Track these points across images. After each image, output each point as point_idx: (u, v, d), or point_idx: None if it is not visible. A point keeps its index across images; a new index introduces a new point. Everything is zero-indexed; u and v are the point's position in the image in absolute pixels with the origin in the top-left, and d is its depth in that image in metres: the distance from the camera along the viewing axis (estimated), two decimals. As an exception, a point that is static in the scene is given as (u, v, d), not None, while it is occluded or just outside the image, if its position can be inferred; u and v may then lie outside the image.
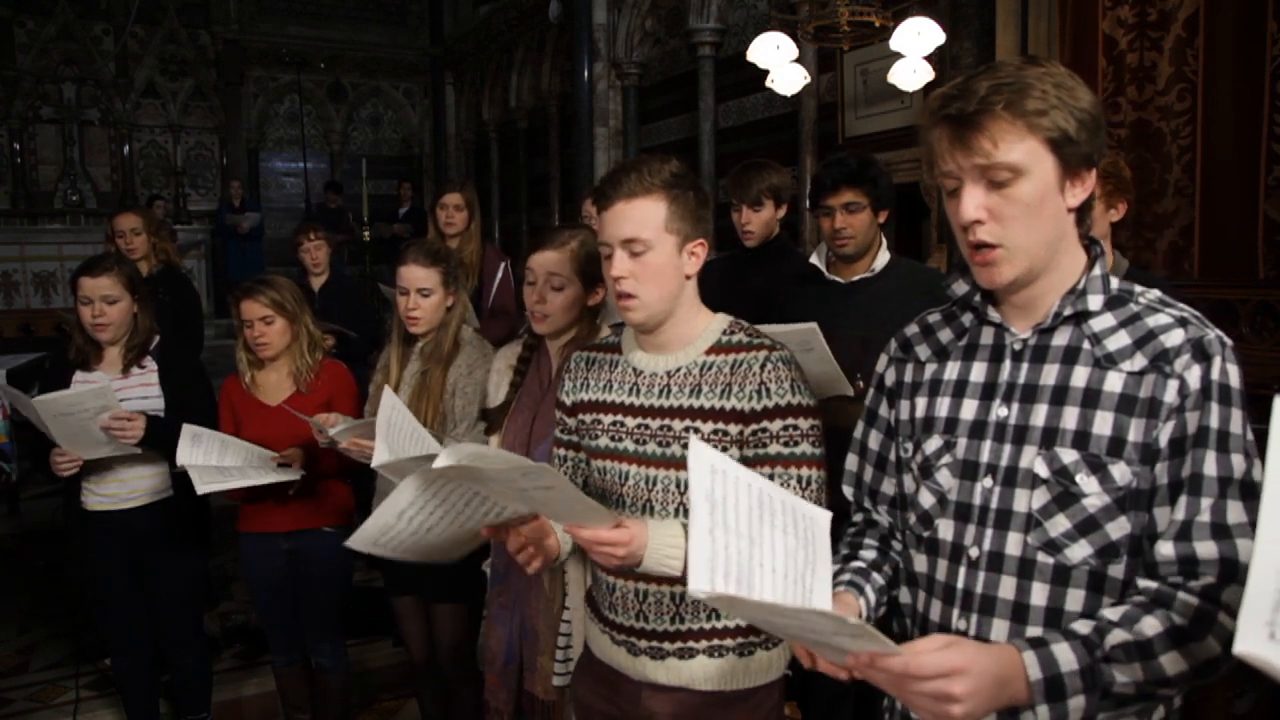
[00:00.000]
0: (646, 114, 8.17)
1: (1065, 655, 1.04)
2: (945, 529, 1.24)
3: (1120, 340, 1.16)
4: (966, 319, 1.30)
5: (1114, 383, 1.14)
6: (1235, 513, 1.07)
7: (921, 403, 1.30)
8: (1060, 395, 1.17)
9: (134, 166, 11.46)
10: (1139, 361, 1.14)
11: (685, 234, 1.58)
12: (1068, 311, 1.18)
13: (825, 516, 1.14)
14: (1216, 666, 1.04)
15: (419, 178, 12.82)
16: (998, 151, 1.12)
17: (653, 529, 1.47)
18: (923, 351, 1.34)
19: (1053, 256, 1.18)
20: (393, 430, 1.98)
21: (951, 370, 1.28)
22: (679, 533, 1.49)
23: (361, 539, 1.48)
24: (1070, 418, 1.15)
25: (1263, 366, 3.14)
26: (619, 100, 8.23)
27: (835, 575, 1.31)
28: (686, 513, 1.57)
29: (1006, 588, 1.17)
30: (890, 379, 1.38)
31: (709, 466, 1.06)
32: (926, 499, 1.27)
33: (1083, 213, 1.19)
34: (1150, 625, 1.04)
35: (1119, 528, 1.13)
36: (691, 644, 1.64)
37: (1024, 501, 1.17)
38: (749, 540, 1.03)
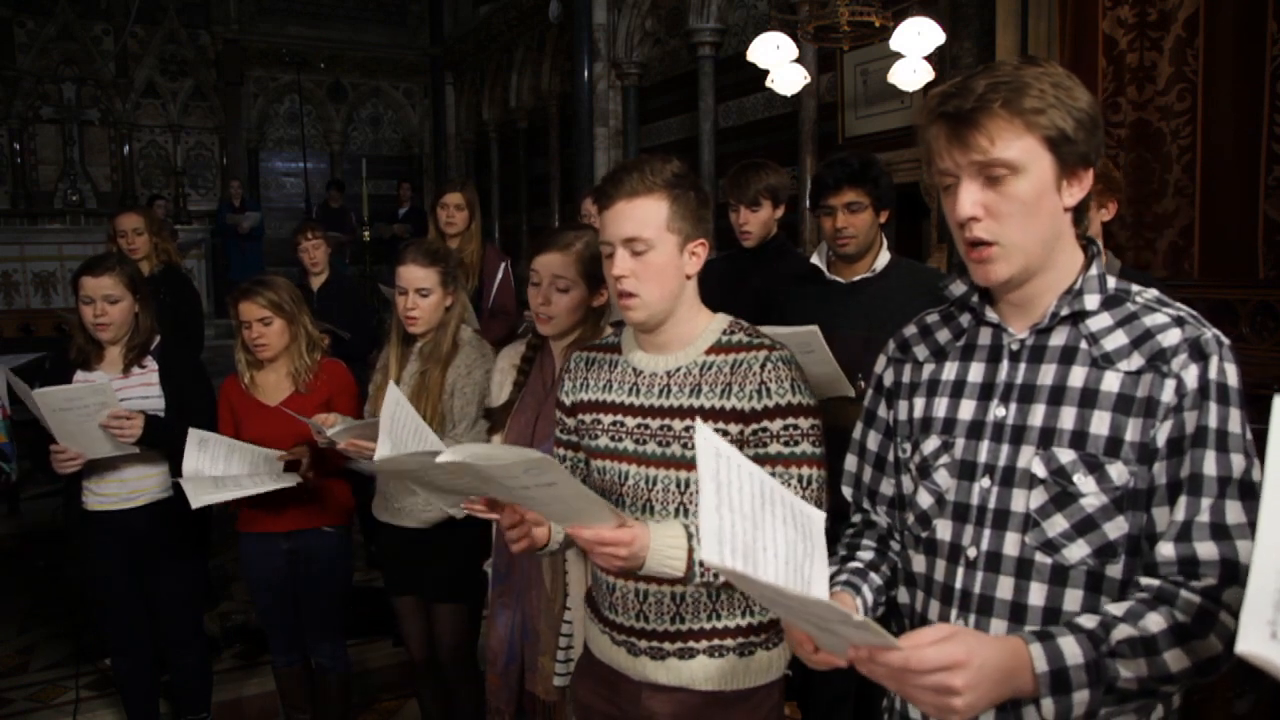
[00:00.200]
0: (646, 114, 8.17)
1: (1071, 648, 1.04)
2: (943, 529, 1.24)
3: (1117, 340, 1.16)
4: (964, 319, 1.30)
5: (1111, 382, 1.14)
6: (1235, 513, 1.07)
7: (919, 403, 1.30)
8: (1058, 395, 1.17)
9: (134, 166, 11.47)
10: (1136, 361, 1.14)
11: (686, 234, 1.59)
12: (1065, 311, 1.18)
13: (820, 516, 1.14)
14: (1218, 665, 1.04)
15: (419, 178, 12.82)
16: (995, 148, 1.12)
17: (654, 530, 1.47)
18: (921, 352, 1.34)
19: (1049, 255, 1.18)
20: (396, 426, 1.99)
21: (949, 370, 1.28)
22: (680, 533, 1.49)
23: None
24: (1068, 418, 1.15)
25: (1263, 366, 3.14)
26: (619, 100, 8.24)
27: (833, 576, 1.31)
28: (687, 513, 1.57)
29: (1004, 588, 1.17)
30: (888, 379, 1.38)
31: (714, 450, 1.07)
32: (924, 499, 1.27)
33: (1080, 212, 1.19)
34: (1154, 621, 1.04)
35: (1117, 528, 1.13)
36: (691, 644, 1.64)
37: (1022, 501, 1.17)
38: (753, 524, 1.04)
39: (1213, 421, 1.09)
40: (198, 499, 2.43)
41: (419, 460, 1.74)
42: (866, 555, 1.35)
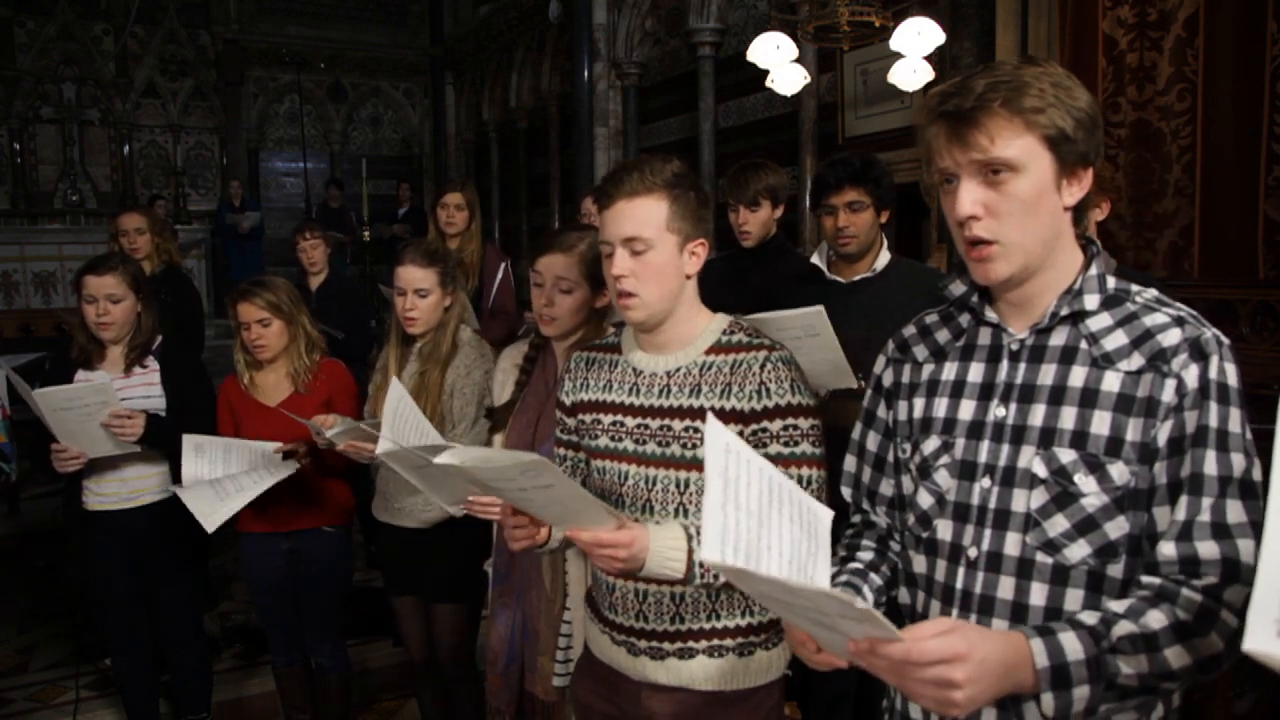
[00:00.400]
0: (646, 114, 8.17)
1: (1072, 644, 1.04)
2: (944, 529, 1.24)
3: (1117, 340, 1.16)
4: (964, 319, 1.30)
5: (1111, 382, 1.14)
6: (1235, 512, 1.07)
7: (919, 403, 1.30)
8: (1058, 395, 1.17)
9: (134, 166, 11.47)
10: (1136, 361, 1.14)
11: (686, 234, 1.59)
12: (1064, 311, 1.18)
13: (828, 514, 1.14)
14: (1219, 663, 1.04)
15: (419, 178, 12.82)
16: (994, 147, 1.12)
17: (654, 532, 1.47)
18: (920, 352, 1.34)
19: (1049, 254, 1.18)
20: (398, 421, 1.99)
21: (949, 371, 1.28)
22: (680, 535, 1.49)
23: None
24: (1068, 418, 1.15)
25: (1263, 366, 3.14)
26: (619, 100, 8.23)
27: (833, 576, 1.31)
28: (686, 513, 1.57)
29: (1005, 588, 1.17)
30: (888, 380, 1.38)
31: (724, 445, 1.07)
32: (925, 499, 1.27)
33: (1079, 212, 1.19)
34: (1156, 619, 1.04)
35: (1117, 527, 1.13)
36: (691, 644, 1.64)
37: (1022, 501, 1.17)
38: (758, 521, 1.04)
39: (1213, 421, 1.09)
40: (210, 520, 2.40)
41: (420, 456, 1.74)
42: (866, 556, 1.35)
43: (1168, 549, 1.08)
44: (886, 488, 1.38)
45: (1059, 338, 1.19)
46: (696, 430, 1.57)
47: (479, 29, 11.44)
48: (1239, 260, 3.42)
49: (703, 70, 7.24)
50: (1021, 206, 1.13)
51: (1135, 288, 1.21)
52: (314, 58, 11.87)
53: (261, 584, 2.78)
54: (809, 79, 5.24)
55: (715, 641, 1.64)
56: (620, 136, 8.23)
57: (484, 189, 10.59)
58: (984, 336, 1.27)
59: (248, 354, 2.71)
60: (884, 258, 2.65)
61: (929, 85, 4.47)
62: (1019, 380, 1.20)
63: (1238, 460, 1.08)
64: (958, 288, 1.29)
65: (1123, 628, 1.04)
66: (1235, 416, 1.09)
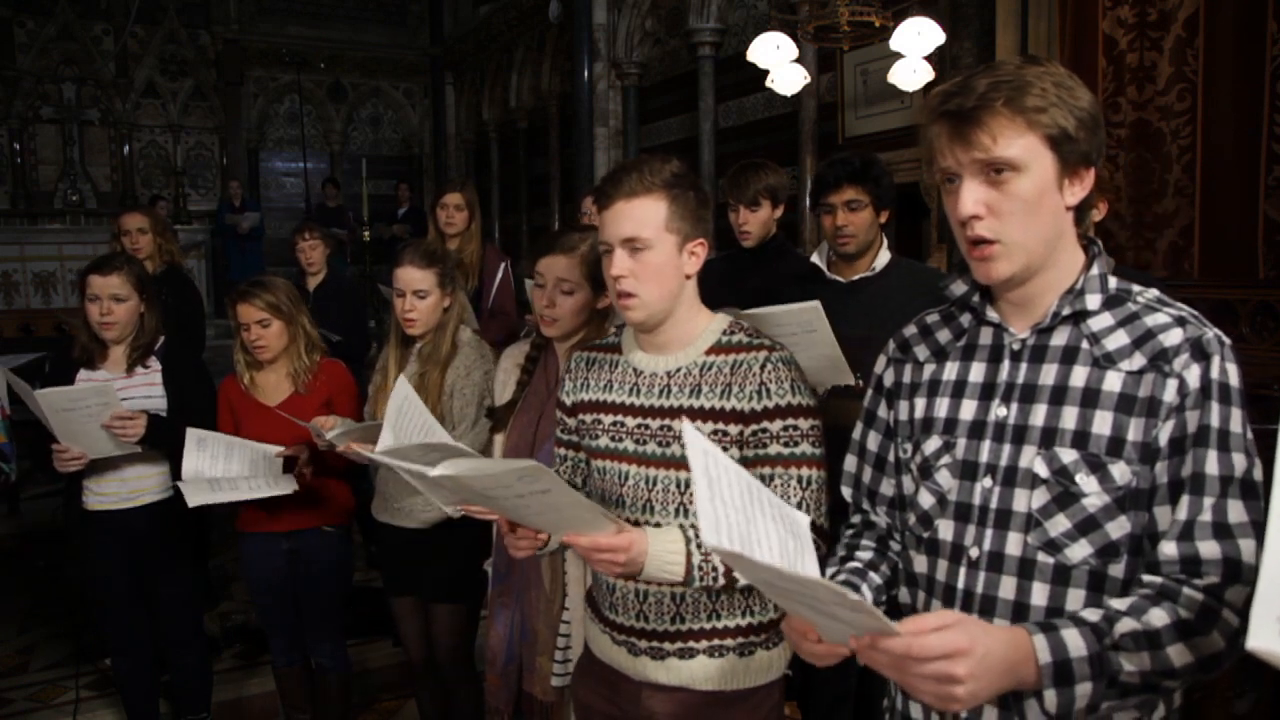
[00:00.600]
0: (646, 114, 8.17)
1: (1075, 641, 1.04)
2: (945, 529, 1.24)
3: (1119, 340, 1.16)
4: (965, 319, 1.30)
5: (1113, 382, 1.14)
6: (1236, 512, 1.07)
7: (920, 403, 1.30)
8: (1059, 395, 1.17)
9: (134, 166, 11.47)
10: (1138, 361, 1.14)
11: (685, 234, 1.59)
12: (1066, 311, 1.18)
13: (805, 519, 1.16)
14: (1220, 661, 1.04)
15: (419, 178, 12.83)
16: (996, 146, 1.12)
17: (653, 536, 1.47)
18: (921, 352, 1.34)
19: (1050, 254, 1.18)
20: (402, 419, 1.99)
21: (950, 370, 1.28)
22: (679, 537, 1.49)
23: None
24: (1069, 417, 1.15)
25: (1263, 366, 3.14)
26: (619, 100, 8.24)
27: (831, 576, 1.32)
28: (687, 513, 1.57)
29: (1007, 588, 1.17)
30: (889, 380, 1.38)
31: (703, 450, 1.09)
32: (926, 499, 1.27)
33: (1081, 212, 1.19)
34: (1158, 616, 1.04)
35: (1119, 527, 1.13)
36: (692, 644, 1.64)
37: (1024, 501, 1.17)
38: (745, 518, 1.05)
39: (1215, 421, 1.09)
40: (194, 499, 2.43)
41: (421, 456, 1.74)
42: (865, 555, 1.35)
43: (1169, 548, 1.08)
44: (887, 487, 1.38)
45: (1060, 337, 1.19)
46: (695, 429, 1.56)
47: (479, 29, 11.45)
48: (1239, 260, 3.42)
49: (703, 70, 7.24)
50: (1023, 206, 1.13)
51: (1137, 288, 1.21)
52: (314, 58, 11.87)
53: (261, 584, 2.78)
54: (809, 79, 5.24)
55: (716, 641, 1.64)
56: (620, 136, 8.23)
57: (484, 189, 10.60)
58: (985, 336, 1.27)
59: (248, 354, 2.71)
60: (884, 257, 2.65)
61: (929, 85, 4.47)
62: (1020, 380, 1.20)
63: (1239, 460, 1.08)
64: (959, 287, 1.29)
65: (1125, 625, 1.04)
66: (1237, 416, 1.10)
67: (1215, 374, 1.10)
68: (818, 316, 2.30)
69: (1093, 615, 1.07)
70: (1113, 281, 1.21)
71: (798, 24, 4.74)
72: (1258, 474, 1.09)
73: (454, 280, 2.62)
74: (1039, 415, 1.17)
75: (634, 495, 1.62)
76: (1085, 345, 1.17)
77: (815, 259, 2.75)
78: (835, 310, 2.39)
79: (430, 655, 2.72)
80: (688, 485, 1.57)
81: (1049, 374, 1.18)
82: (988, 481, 1.20)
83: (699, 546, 1.50)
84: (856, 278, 2.64)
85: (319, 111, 12.52)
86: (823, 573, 1.31)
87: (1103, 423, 1.13)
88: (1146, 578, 1.10)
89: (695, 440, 1.09)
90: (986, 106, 1.12)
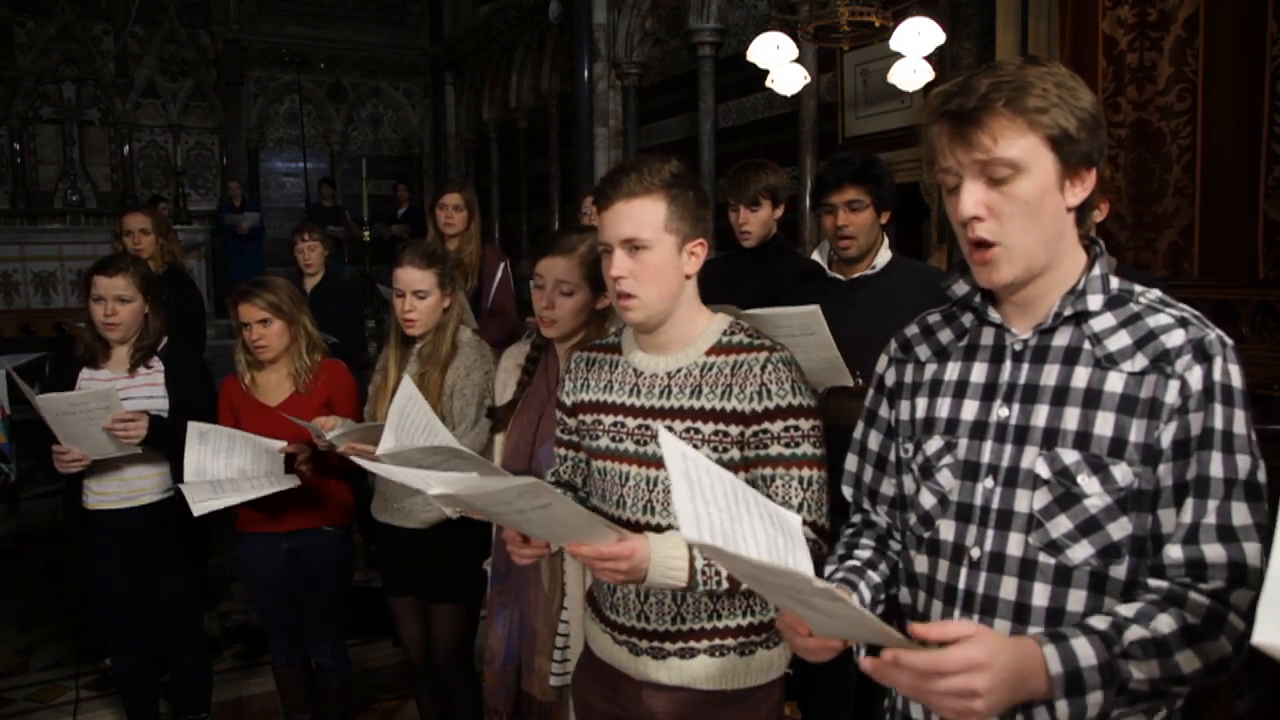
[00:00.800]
0: (646, 114, 8.17)
1: (1085, 650, 1.04)
2: (946, 529, 1.24)
3: (1121, 340, 1.16)
4: (966, 319, 1.30)
5: (1115, 383, 1.14)
6: (1241, 514, 1.07)
7: (922, 403, 1.30)
8: (1061, 396, 1.17)
9: (134, 166, 11.46)
10: (1140, 362, 1.14)
11: (685, 234, 1.58)
12: (1068, 312, 1.18)
13: (796, 518, 1.16)
14: (1227, 666, 1.04)
15: (419, 178, 12.83)
16: (997, 147, 1.12)
17: (655, 542, 1.46)
18: (923, 352, 1.34)
19: (1052, 256, 1.18)
20: (404, 420, 1.98)
21: (952, 371, 1.28)
22: (680, 543, 1.49)
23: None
24: (1071, 418, 1.15)
25: (1263, 366, 3.14)
26: (619, 100, 8.23)
27: (830, 575, 1.32)
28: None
29: (1008, 588, 1.17)
30: (890, 379, 1.38)
31: (681, 453, 1.10)
32: (927, 500, 1.27)
33: (1083, 212, 1.19)
34: (1165, 623, 1.04)
35: (1120, 528, 1.13)
36: (693, 644, 1.64)
37: (1025, 502, 1.17)
38: (730, 516, 1.06)
39: (1218, 423, 1.09)
40: (199, 506, 2.42)
41: (423, 457, 1.74)
42: (864, 554, 1.35)
43: (1174, 552, 1.08)
44: (888, 487, 1.38)
45: (1062, 338, 1.19)
46: (698, 431, 1.57)
47: (479, 29, 11.44)
48: (1239, 260, 3.42)
49: (703, 70, 7.23)
50: (1024, 208, 1.13)
51: (1139, 288, 1.21)
52: (314, 58, 11.87)
53: (261, 584, 2.78)
54: (809, 79, 5.24)
55: (717, 641, 1.64)
56: (620, 136, 8.23)
57: (484, 189, 10.60)
58: (987, 336, 1.26)
59: (249, 354, 2.71)
60: (885, 255, 2.65)
61: (929, 85, 4.47)
62: (1022, 381, 1.20)
63: (1243, 462, 1.08)
64: (960, 287, 1.29)
65: (1134, 632, 1.04)
66: (1240, 418, 1.09)
67: (1218, 376, 1.10)
68: (817, 320, 2.31)
69: (1101, 623, 1.07)
70: (1114, 282, 1.21)
71: (798, 24, 4.74)
72: (1261, 475, 1.09)
73: (454, 280, 2.62)
74: (1041, 416, 1.17)
75: (635, 496, 1.62)
76: (1087, 346, 1.17)
77: (816, 256, 2.75)
78: (836, 308, 2.40)
79: (430, 655, 2.72)
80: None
81: (1050, 374, 1.18)
82: (989, 482, 1.20)
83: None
84: (857, 276, 2.64)
85: (319, 111, 12.51)
86: (821, 571, 1.31)
87: (1104, 424, 1.13)
88: (1153, 582, 1.10)
89: (672, 444, 1.10)
90: (987, 107, 1.11)
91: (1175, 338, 1.13)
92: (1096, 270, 1.20)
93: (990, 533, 1.19)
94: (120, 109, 11.28)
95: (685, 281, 1.61)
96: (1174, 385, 1.11)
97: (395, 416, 1.99)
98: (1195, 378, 1.10)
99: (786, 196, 3.14)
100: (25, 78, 10.64)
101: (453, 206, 3.70)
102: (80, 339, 2.79)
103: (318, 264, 4.40)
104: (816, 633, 1.10)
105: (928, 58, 4.38)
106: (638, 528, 1.59)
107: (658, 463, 1.60)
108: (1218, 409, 1.09)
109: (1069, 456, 1.14)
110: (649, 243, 1.55)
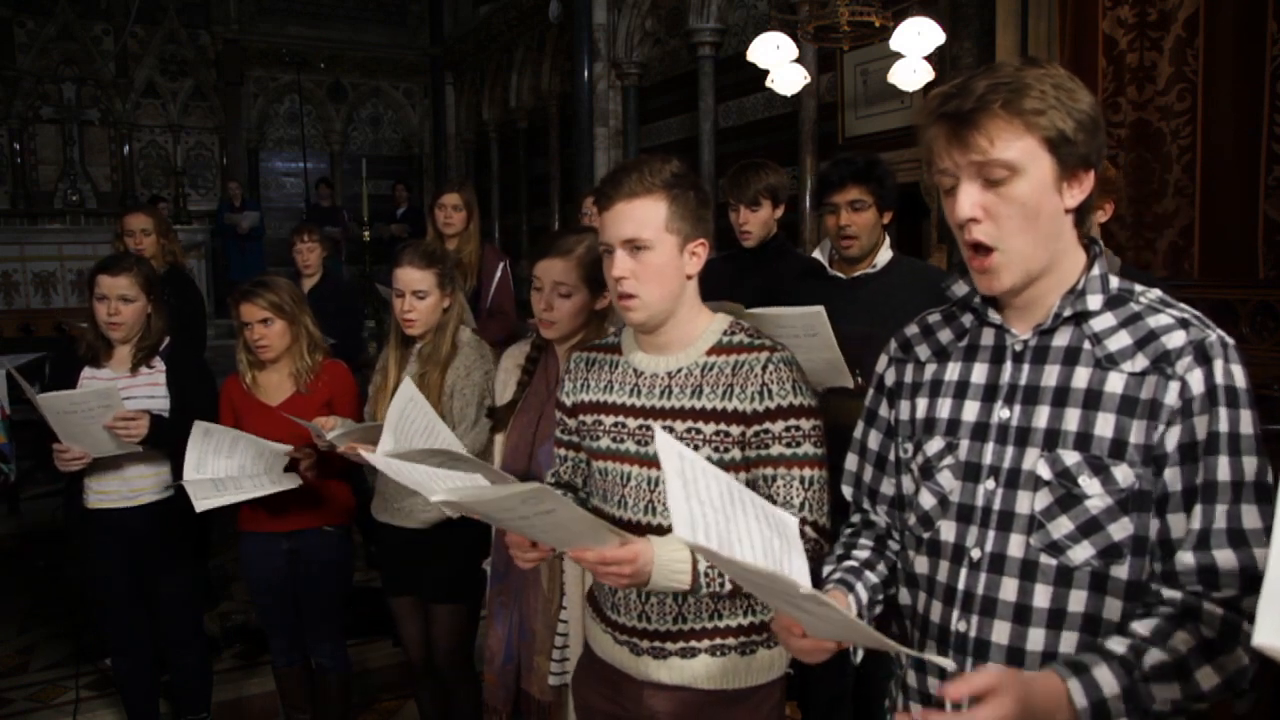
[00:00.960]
0: (646, 114, 8.17)
1: (1107, 679, 1.03)
2: (947, 530, 1.24)
3: (1121, 340, 1.16)
4: (966, 320, 1.30)
5: (1115, 383, 1.14)
6: (1251, 517, 1.07)
7: (922, 403, 1.30)
8: (1062, 396, 1.17)
9: (134, 166, 11.46)
10: (1140, 362, 1.13)
11: (686, 234, 1.58)
12: (1068, 312, 1.18)
13: (793, 520, 1.16)
14: (1246, 675, 1.05)
15: (419, 178, 12.83)
16: (994, 149, 1.12)
17: (658, 546, 1.45)
18: (923, 352, 1.34)
19: (1051, 257, 1.17)
20: (404, 421, 1.98)
21: (952, 371, 1.28)
22: (684, 546, 1.49)
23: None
24: (1072, 419, 1.15)
25: (1263, 366, 3.14)
26: (619, 100, 8.23)
27: (828, 575, 1.32)
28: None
29: (1008, 589, 1.17)
30: (890, 379, 1.38)
31: (677, 453, 1.10)
32: (927, 500, 1.27)
33: (1082, 214, 1.19)
34: (1183, 641, 1.04)
35: (1122, 528, 1.13)
36: (694, 643, 1.64)
37: (1026, 503, 1.17)
38: (725, 517, 1.06)
39: (1224, 426, 1.08)
40: (202, 503, 2.43)
41: (423, 458, 1.73)
42: (862, 554, 1.35)
43: (1186, 558, 1.08)
44: (888, 487, 1.38)
45: (1062, 338, 1.19)
46: (699, 431, 1.57)
47: (479, 29, 11.44)
48: (1239, 260, 3.42)
49: (703, 70, 7.23)
50: (1021, 210, 1.13)
51: (1139, 288, 1.21)
52: (314, 58, 11.87)
53: (261, 584, 2.78)
54: (809, 79, 5.24)
55: (718, 641, 1.64)
56: (620, 136, 8.22)
57: (484, 189, 10.60)
58: (987, 337, 1.26)
59: (250, 353, 2.71)
60: (885, 254, 2.65)
61: (929, 85, 4.47)
62: (1023, 381, 1.20)
63: (1250, 463, 1.08)
64: (960, 288, 1.29)
65: (1153, 656, 1.04)
66: (1245, 418, 1.09)
67: (1220, 378, 1.10)
68: (821, 321, 2.31)
69: (1119, 647, 1.06)
70: (1114, 281, 1.20)
71: (798, 24, 4.74)
72: (1270, 475, 1.08)
73: (453, 280, 2.62)
74: (1041, 417, 1.17)
75: (637, 496, 1.62)
76: (1087, 346, 1.17)
77: (817, 254, 2.75)
78: (837, 306, 2.40)
79: (430, 655, 2.72)
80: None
81: (1051, 375, 1.18)
82: (990, 483, 1.20)
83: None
84: (858, 274, 2.64)
85: (319, 111, 12.51)
86: (820, 571, 1.31)
87: (1105, 424, 1.13)
88: (1166, 593, 1.10)
89: (668, 445, 1.10)
90: (984, 109, 1.11)
91: (1176, 339, 1.12)
92: (1096, 270, 1.20)
93: (991, 534, 1.19)
94: (120, 109, 11.28)
95: (686, 282, 1.61)
96: (1174, 387, 1.11)
97: (394, 418, 1.99)
98: (1196, 380, 1.10)
99: (786, 196, 3.15)
100: (25, 78, 10.64)
101: (452, 206, 3.70)
102: (82, 338, 2.79)
103: (316, 265, 4.40)
104: (810, 634, 1.10)
105: (928, 58, 4.37)
106: (639, 528, 1.59)
107: (659, 463, 1.60)
108: (1222, 412, 1.09)
109: (1070, 458, 1.14)
110: (650, 243, 1.55)
